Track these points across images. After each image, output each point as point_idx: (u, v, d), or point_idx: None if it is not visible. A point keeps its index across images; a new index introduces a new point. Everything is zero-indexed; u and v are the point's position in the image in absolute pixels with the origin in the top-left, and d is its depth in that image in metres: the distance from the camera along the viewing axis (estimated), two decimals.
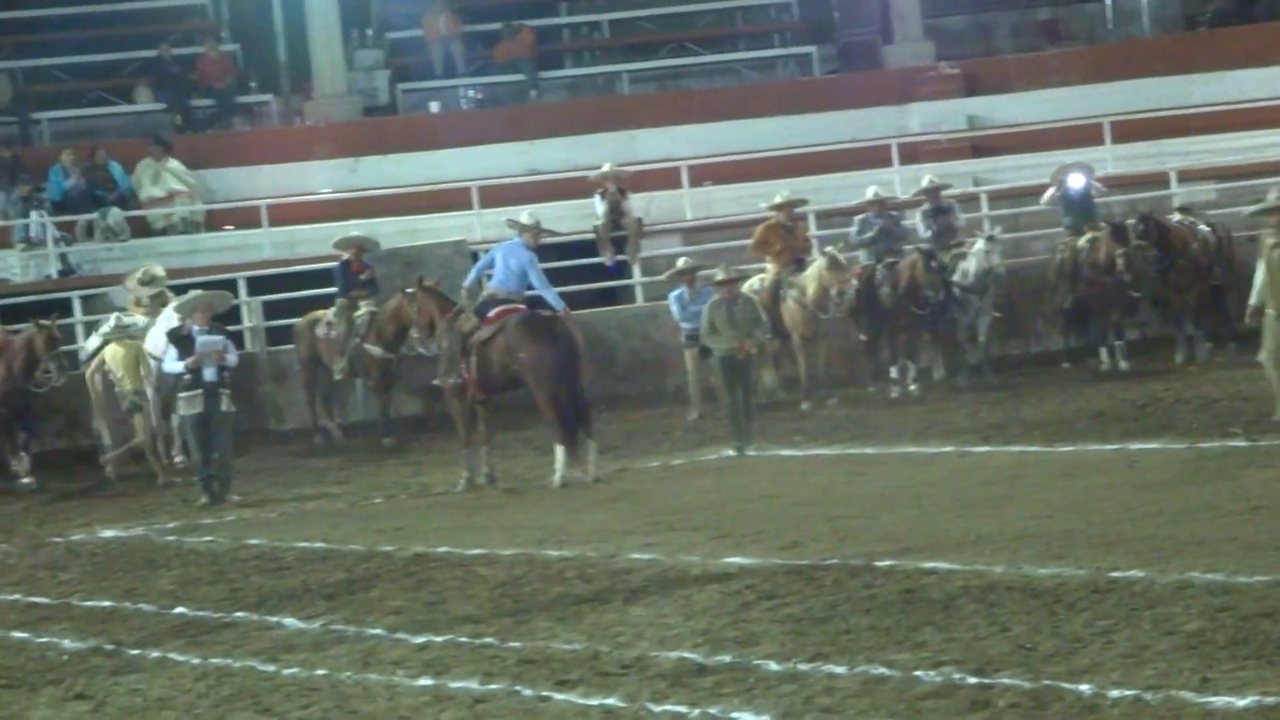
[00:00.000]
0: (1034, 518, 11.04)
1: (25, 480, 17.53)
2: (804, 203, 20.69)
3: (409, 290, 17.68)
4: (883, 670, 7.21)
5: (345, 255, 19.51)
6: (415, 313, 16.52)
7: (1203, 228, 19.05)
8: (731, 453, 15.96)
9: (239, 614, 10.22)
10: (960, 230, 19.80)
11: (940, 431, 15.70)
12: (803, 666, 7.50)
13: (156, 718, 7.89)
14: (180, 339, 15.93)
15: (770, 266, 19.97)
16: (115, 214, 23.36)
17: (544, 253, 19.35)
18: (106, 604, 11.04)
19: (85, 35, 28.39)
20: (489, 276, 16.24)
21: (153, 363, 18.45)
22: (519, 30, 27.98)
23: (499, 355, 14.75)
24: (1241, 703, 5.88)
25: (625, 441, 16.39)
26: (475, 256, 19.49)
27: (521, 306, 15.20)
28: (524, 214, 17.39)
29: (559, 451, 14.54)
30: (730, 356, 15.32)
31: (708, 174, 23.89)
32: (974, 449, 14.59)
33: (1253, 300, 13.07)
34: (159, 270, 20.31)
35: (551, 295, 15.66)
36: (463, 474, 15.08)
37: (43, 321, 18.64)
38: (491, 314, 14.90)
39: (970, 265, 18.55)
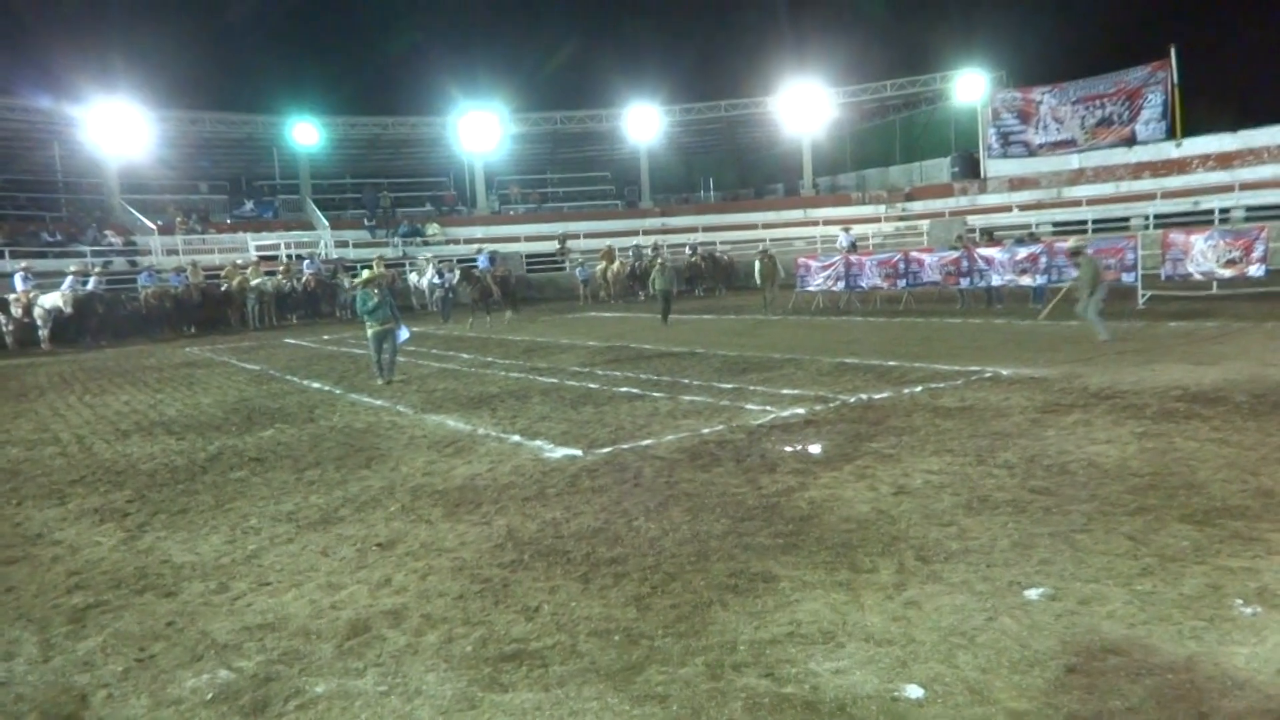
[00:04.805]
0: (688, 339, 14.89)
1: (510, 314, 24.61)
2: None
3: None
4: (651, 376, 9.68)
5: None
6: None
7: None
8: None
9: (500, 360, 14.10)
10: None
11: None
12: (612, 372, 10.98)
13: (493, 386, 11.25)
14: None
15: (604, 262, 32.31)
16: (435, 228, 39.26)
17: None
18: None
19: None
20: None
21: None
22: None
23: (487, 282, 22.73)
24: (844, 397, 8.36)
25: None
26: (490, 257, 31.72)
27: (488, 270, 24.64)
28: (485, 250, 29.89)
29: (508, 313, 23.14)
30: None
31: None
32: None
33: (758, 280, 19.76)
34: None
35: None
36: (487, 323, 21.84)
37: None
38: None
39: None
